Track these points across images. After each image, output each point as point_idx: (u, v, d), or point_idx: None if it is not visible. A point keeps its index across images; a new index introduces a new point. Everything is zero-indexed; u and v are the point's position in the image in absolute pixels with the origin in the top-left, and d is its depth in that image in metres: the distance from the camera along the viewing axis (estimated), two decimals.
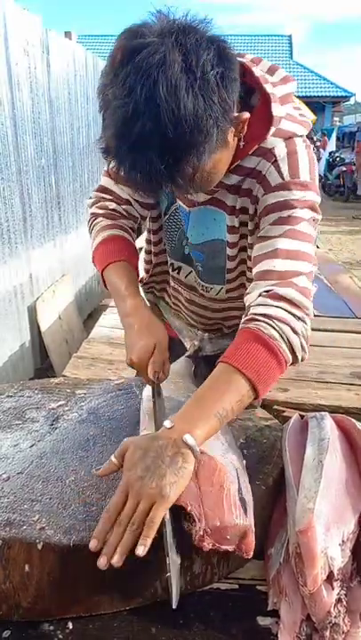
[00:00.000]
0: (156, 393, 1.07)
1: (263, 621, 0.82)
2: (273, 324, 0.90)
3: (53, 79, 3.91)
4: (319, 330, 2.93)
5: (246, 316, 0.95)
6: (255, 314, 0.92)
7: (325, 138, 16.43)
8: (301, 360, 0.96)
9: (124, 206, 1.21)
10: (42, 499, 0.88)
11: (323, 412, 1.12)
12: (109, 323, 3.17)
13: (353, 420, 1.08)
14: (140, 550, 0.74)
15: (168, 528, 0.79)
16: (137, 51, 0.76)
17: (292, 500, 0.89)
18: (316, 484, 0.86)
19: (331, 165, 14.27)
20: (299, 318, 0.93)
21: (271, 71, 1.04)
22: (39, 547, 0.78)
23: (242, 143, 0.95)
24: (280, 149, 0.99)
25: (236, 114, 0.87)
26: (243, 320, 0.95)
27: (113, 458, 0.84)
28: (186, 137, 0.77)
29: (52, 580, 0.79)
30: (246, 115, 0.89)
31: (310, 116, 1.11)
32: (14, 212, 3.24)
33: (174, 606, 0.76)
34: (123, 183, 1.11)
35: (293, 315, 0.92)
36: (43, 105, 3.70)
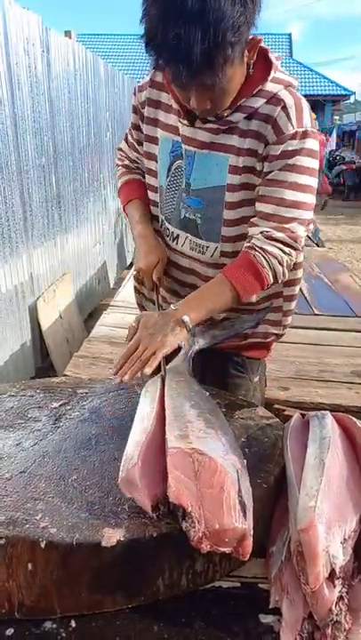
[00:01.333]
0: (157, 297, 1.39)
1: (265, 619, 0.82)
2: (266, 257, 1.18)
3: (53, 78, 3.91)
4: (319, 329, 2.94)
5: (248, 242, 1.21)
6: (255, 245, 1.19)
7: (328, 136, 16.42)
8: (282, 280, 1.26)
9: (134, 164, 1.50)
10: (44, 497, 0.89)
11: (324, 411, 1.13)
12: (110, 322, 3.17)
13: (354, 418, 1.08)
14: (147, 370, 1.09)
15: (163, 367, 1.18)
16: None
17: (294, 498, 0.89)
18: (318, 482, 0.86)
19: (331, 164, 14.25)
20: (287, 254, 1.20)
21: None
22: (42, 545, 0.79)
23: (250, 71, 1.14)
24: (286, 95, 1.15)
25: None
26: (245, 245, 1.22)
27: (133, 323, 1.19)
28: (224, 23, 0.93)
29: (54, 578, 0.80)
30: (260, 37, 1.09)
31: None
32: (15, 212, 3.24)
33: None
34: (174, 91, 1.20)
35: (283, 251, 1.19)
36: (43, 104, 3.70)
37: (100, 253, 5.59)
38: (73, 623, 0.81)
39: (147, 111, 1.35)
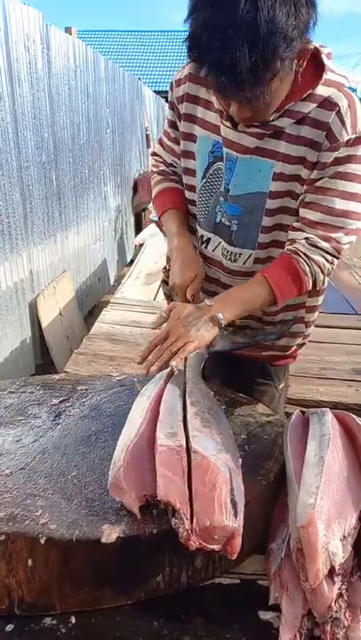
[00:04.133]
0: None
1: (265, 616, 0.82)
2: (309, 263, 1.15)
3: (54, 75, 3.90)
4: (320, 326, 2.93)
5: (291, 246, 1.17)
6: (299, 250, 1.15)
7: None
8: (320, 287, 1.25)
9: (170, 168, 1.42)
10: (44, 494, 0.89)
11: (324, 408, 1.13)
12: (110, 319, 3.17)
13: (354, 416, 1.08)
14: (175, 362, 1.07)
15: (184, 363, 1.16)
16: None
17: (294, 495, 0.89)
18: (318, 479, 0.86)
19: None
20: (329, 262, 1.17)
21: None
22: (42, 541, 0.79)
23: (299, 78, 1.05)
24: (340, 99, 1.08)
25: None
26: (287, 247, 1.19)
27: (163, 312, 1.17)
28: (276, 37, 0.86)
29: (54, 574, 0.80)
30: (312, 45, 1.02)
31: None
32: (15, 209, 3.24)
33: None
34: (208, 86, 1.13)
35: (326, 260, 1.16)
36: (43, 101, 3.69)
37: (101, 250, 5.58)
38: (73, 619, 0.81)
39: (185, 107, 1.27)
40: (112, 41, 24.20)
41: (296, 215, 1.20)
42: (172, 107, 1.32)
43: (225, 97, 1.03)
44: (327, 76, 1.08)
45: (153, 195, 1.45)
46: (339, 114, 1.08)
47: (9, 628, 0.80)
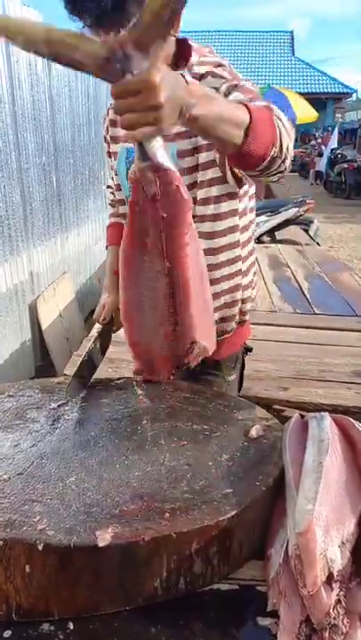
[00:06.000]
0: (103, 341, 1.45)
1: (263, 622, 0.82)
2: (278, 117, 1.02)
3: (54, 76, 3.90)
4: (320, 328, 2.93)
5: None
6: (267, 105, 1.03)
7: (329, 134, 16.39)
8: (282, 164, 1.05)
9: (117, 193, 1.50)
10: (42, 499, 0.89)
11: (323, 413, 1.12)
12: None
13: (352, 420, 1.08)
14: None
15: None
16: None
17: (292, 500, 0.89)
18: (316, 485, 0.86)
19: (332, 162, 14.23)
20: (281, 123, 1.02)
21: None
22: (40, 547, 0.78)
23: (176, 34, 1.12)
24: (215, 70, 1.17)
25: None
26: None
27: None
28: None
29: (52, 580, 0.80)
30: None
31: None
32: (15, 210, 3.24)
33: None
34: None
35: (280, 119, 1.03)
36: (43, 102, 3.69)
37: (101, 252, 5.57)
38: (71, 625, 0.81)
39: (110, 132, 1.42)
40: None
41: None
42: (105, 139, 1.47)
43: (96, 29, 1.00)
44: (201, 58, 1.20)
45: (107, 223, 1.62)
46: (214, 75, 1.16)
47: (7, 634, 0.79)
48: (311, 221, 7.09)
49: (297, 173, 18.44)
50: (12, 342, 3.27)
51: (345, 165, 13.64)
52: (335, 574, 0.77)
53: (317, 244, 6.48)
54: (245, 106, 0.95)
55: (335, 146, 15.03)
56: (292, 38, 26.10)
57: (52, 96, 3.88)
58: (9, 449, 1.04)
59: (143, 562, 0.82)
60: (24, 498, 0.89)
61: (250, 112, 0.94)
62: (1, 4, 2.98)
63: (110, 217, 1.61)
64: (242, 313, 1.47)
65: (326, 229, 8.97)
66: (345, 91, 23.30)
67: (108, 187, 1.58)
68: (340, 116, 24.40)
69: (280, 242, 6.10)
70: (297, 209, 6.71)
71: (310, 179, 16.18)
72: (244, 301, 1.45)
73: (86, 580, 0.80)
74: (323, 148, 15.78)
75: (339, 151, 14.89)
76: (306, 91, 20.22)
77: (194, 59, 1.20)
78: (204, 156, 1.24)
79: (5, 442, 1.07)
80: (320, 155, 16.00)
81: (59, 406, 1.23)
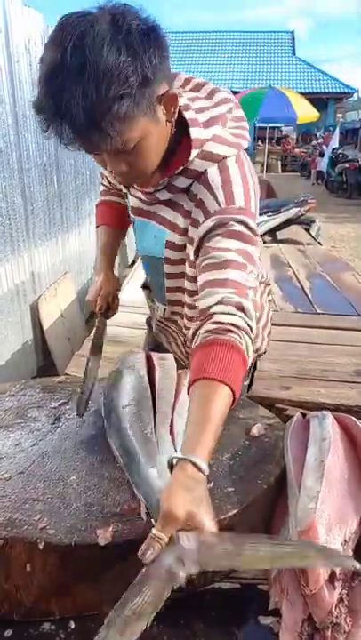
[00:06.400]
0: (100, 324, 1.40)
1: (265, 621, 0.82)
2: (241, 335, 0.89)
3: None
4: (322, 327, 2.93)
5: (207, 319, 0.92)
6: (223, 322, 0.90)
7: (330, 133, 16.39)
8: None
9: (111, 182, 1.43)
10: (43, 498, 0.89)
11: (324, 411, 1.12)
12: (111, 321, 3.16)
13: (354, 418, 1.08)
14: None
15: None
16: (71, 16, 0.83)
17: (294, 499, 0.89)
18: (318, 484, 0.86)
19: (334, 162, 14.22)
20: (251, 329, 0.93)
21: (210, 94, 1.07)
22: (40, 546, 0.78)
23: (171, 126, 0.97)
24: (213, 175, 1.02)
25: (164, 89, 0.91)
26: (207, 327, 0.91)
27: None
28: (109, 76, 0.80)
29: (53, 579, 0.79)
30: (174, 91, 0.93)
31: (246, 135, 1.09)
32: (16, 210, 3.23)
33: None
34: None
35: (249, 326, 0.92)
36: None
37: None
38: (72, 624, 0.81)
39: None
40: None
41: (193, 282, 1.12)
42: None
43: (71, 145, 0.90)
44: (207, 148, 1.02)
45: (97, 201, 1.50)
46: (211, 191, 1.02)
47: (8, 633, 0.79)
48: (313, 221, 7.08)
49: (298, 173, 18.44)
50: (13, 342, 3.26)
51: (346, 165, 13.62)
52: (337, 573, 0.77)
53: (319, 243, 6.46)
54: (225, 384, 0.83)
55: (337, 145, 15.02)
56: (293, 38, 26.09)
57: None
58: (10, 448, 1.04)
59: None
60: (25, 497, 0.89)
61: (233, 393, 0.84)
62: (2, 6, 2.98)
63: (101, 195, 1.47)
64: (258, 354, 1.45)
65: (328, 229, 8.96)
66: (346, 90, 23.27)
67: (103, 175, 1.47)
68: (341, 115, 24.37)
69: (281, 242, 6.09)
70: (298, 209, 6.70)
71: (312, 178, 16.18)
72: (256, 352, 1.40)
73: (87, 579, 0.80)
74: (324, 147, 15.77)
75: (340, 151, 14.87)
76: (307, 90, 20.20)
77: (194, 152, 1.02)
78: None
79: (6, 441, 1.07)
80: (321, 155, 15.99)
81: (60, 405, 1.22)
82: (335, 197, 13.41)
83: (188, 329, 1.27)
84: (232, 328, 0.89)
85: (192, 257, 1.09)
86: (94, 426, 1.13)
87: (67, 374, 2.33)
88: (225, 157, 1.03)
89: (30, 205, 3.45)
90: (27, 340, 3.45)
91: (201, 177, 1.04)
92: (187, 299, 1.22)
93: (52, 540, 0.79)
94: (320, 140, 18.67)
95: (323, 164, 14.81)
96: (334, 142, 14.84)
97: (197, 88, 1.09)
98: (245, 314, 0.92)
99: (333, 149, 14.63)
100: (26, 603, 0.81)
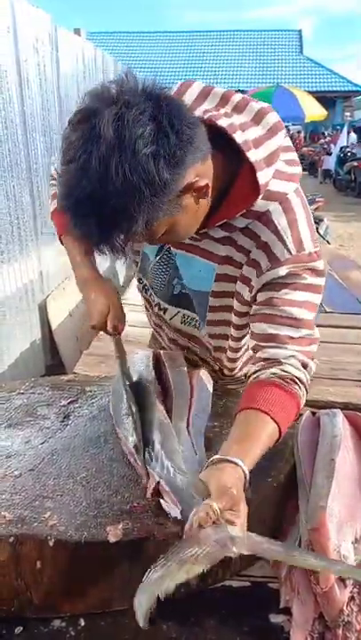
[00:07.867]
0: (119, 348, 1.24)
1: (275, 619, 0.81)
2: (302, 389, 0.96)
3: (62, 76, 3.91)
4: (330, 326, 2.91)
5: (276, 365, 0.97)
6: (291, 373, 0.96)
7: (338, 132, 16.31)
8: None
9: None
10: (53, 495, 0.89)
11: (335, 409, 1.12)
12: None
13: None
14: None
15: None
16: (85, 118, 0.80)
17: (305, 497, 0.88)
18: (328, 481, 0.85)
19: (342, 160, 14.15)
20: (308, 384, 0.99)
21: (258, 117, 0.97)
22: (51, 543, 0.78)
23: (209, 200, 0.92)
24: (278, 217, 0.97)
25: (192, 179, 0.85)
26: (274, 370, 0.96)
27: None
28: (115, 207, 0.78)
29: (63, 576, 0.80)
30: (203, 182, 0.86)
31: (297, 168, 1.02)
32: (24, 210, 3.24)
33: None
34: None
35: (308, 381, 0.99)
36: (52, 102, 3.70)
37: None
38: (82, 622, 0.81)
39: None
40: (121, 43, 24.32)
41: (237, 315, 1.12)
42: None
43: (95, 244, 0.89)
44: (270, 187, 0.95)
45: (51, 209, 1.33)
46: (278, 234, 0.97)
47: (18, 630, 0.79)
48: (321, 220, 7.04)
49: (306, 172, 18.38)
50: (22, 342, 3.27)
51: (355, 164, 13.55)
52: None
53: (327, 242, 6.43)
54: (273, 420, 0.90)
55: (345, 144, 14.94)
56: (301, 37, 26.02)
57: (61, 96, 3.88)
58: (20, 445, 1.04)
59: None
60: (35, 494, 0.89)
61: (279, 429, 0.90)
62: (10, 6, 2.99)
63: (54, 198, 1.31)
64: None
65: (336, 228, 8.91)
66: (354, 89, 23.18)
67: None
68: (348, 114, 24.26)
69: None
70: None
71: (319, 177, 16.11)
72: None
73: (97, 576, 0.80)
74: (332, 146, 15.68)
75: (348, 149, 14.79)
76: (315, 89, 20.11)
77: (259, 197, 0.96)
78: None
79: (16, 438, 1.07)
80: (328, 153, 15.92)
81: (69, 403, 1.23)
82: (343, 196, 13.34)
83: (231, 360, 1.25)
84: (297, 381, 0.96)
85: (246, 296, 1.06)
86: (103, 423, 1.13)
87: (75, 373, 2.34)
88: (286, 194, 0.98)
89: (39, 205, 3.46)
90: (35, 339, 3.46)
91: (262, 217, 0.98)
92: (232, 331, 1.16)
93: (63, 537, 0.79)
94: (328, 139, 18.59)
95: (330, 163, 14.74)
96: (343, 140, 14.76)
97: (240, 109, 0.98)
98: (309, 373, 0.99)
99: (341, 148, 14.56)
100: (36, 600, 0.81)
